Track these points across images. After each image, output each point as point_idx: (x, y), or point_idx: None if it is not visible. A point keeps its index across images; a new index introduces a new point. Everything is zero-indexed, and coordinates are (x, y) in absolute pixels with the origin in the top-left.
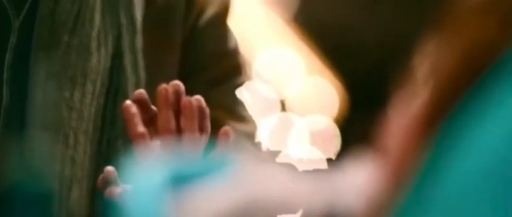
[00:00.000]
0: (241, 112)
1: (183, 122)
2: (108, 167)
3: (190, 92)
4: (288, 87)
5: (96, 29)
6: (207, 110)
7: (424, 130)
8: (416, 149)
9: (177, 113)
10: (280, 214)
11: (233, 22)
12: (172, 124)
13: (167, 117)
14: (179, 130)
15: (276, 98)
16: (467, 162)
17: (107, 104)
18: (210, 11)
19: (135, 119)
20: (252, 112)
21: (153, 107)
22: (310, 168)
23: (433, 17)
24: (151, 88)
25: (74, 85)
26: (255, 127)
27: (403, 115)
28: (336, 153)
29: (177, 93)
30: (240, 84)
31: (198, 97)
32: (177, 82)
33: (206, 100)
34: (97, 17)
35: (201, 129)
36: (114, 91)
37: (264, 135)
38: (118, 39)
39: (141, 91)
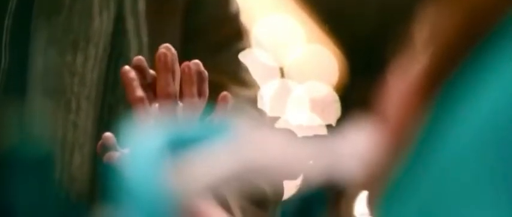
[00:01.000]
0: (243, 76)
1: (182, 86)
2: (107, 133)
3: (192, 56)
4: (287, 54)
5: None
6: (206, 74)
7: (423, 96)
8: (415, 115)
9: (173, 75)
10: (280, 179)
11: None
12: (172, 88)
13: (166, 81)
14: (178, 95)
15: (275, 65)
16: (465, 127)
17: (109, 69)
18: None
19: (133, 83)
20: (253, 77)
21: (152, 72)
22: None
23: None
24: (153, 53)
25: (76, 50)
26: (257, 91)
27: (402, 81)
28: (335, 119)
29: (174, 56)
30: (243, 49)
31: (197, 61)
32: (169, 46)
33: (208, 65)
34: None
35: (200, 94)
36: (116, 56)
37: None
38: (120, 3)
39: (140, 57)
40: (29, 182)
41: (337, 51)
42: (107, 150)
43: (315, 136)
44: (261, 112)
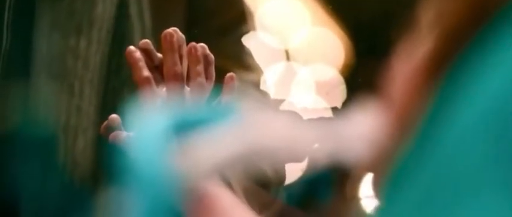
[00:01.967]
0: (247, 61)
1: (188, 67)
2: (113, 115)
3: (197, 40)
4: (292, 37)
5: None
6: (212, 58)
7: (429, 78)
8: (420, 97)
9: (181, 59)
10: (285, 161)
11: None
12: (178, 68)
13: (173, 60)
14: (185, 78)
15: (280, 47)
16: (470, 109)
17: (112, 53)
18: None
19: (139, 64)
20: (257, 61)
21: (159, 54)
22: (315, 116)
23: None
24: (157, 37)
25: (79, 34)
26: (261, 76)
27: (407, 63)
28: (341, 102)
29: (180, 40)
30: (247, 32)
31: (203, 44)
32: (177, 29)
33: (213, 48)
34: None
35: (206, 77)
36: (119, 39)
37: (268, 85)
38: None
39: (147, 41)
40: (32, 165)
41: (342, 33)
42: (112, 131)
43: (320, 119)
44: (265, 96)
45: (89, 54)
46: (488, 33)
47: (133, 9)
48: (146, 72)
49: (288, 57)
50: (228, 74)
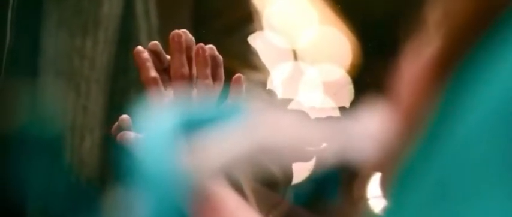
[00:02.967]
0: (254, 60)
1: (196, 69)
2: (123, 115)
3: (204, 40)
4: (300, 36)
5: None
6: (221, 59)
7: (436, 78)
8: (427, 96)
9: (190, 61)
10: (293, 161)
11: None
12: (186, 69)
13: (180, 62)
14: (192, 78)
15: (288, 47)
16: (477, 109)
17: (118, 52)
18: None
19: (147, 64)
20: (264, 61)
21: (168, 56)
22: (323, 116)
23: None
24: (164, 36)
25: (85, 33)
26: (268, 75)
27: (415, 63)
28: (349, 102)
29: (189, 41)
30: (254, 32)
31: (211, 46)
32: (186, 31)
33: (220, 48)
34: None
35: (215, 78)
36: (126, 39)
37: (275, 85)
38: None
39: (156, 42)
40: (39, 165)
41: (350, 33)
42: (121, 131)
43: (328, 118)
44: (272, 96)
45: (95, 53)
46: (495, 32)
47: (139, 9)
48: (153, 73)
49: (295, 57)
50: (236, 75)
